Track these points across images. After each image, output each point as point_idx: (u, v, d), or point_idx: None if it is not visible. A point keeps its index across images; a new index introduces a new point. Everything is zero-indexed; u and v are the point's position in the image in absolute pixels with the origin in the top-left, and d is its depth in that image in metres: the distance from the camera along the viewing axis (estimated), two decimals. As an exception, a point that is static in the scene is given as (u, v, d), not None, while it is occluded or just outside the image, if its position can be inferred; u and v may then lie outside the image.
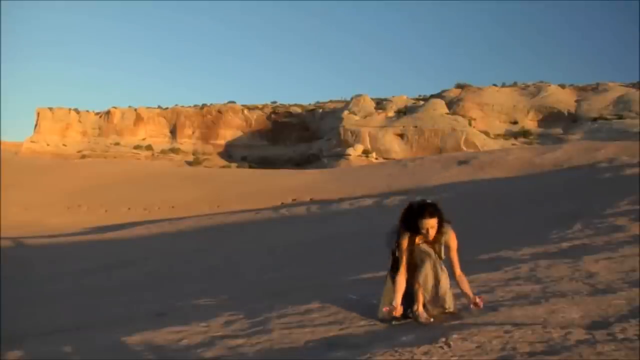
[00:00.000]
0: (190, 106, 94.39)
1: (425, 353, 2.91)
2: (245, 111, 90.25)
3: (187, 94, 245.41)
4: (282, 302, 5.21)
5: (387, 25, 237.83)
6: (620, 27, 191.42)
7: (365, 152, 65.60)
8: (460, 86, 78.27)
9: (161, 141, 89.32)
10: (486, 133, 67.33)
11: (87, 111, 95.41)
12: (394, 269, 3.80)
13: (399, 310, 3.58)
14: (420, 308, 3.69)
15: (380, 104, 76.01)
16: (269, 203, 29.03)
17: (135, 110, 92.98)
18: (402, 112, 71.68)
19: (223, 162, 79.47)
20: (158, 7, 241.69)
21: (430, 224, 3.68)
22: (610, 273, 4.72)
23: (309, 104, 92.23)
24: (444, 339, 3.07)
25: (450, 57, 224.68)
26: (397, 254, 3.77)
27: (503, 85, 78.78)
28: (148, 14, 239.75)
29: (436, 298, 3.73)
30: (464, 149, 60.15)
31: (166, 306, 6.63)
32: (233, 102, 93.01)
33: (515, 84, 78.79)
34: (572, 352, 2.68)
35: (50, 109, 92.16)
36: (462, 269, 3.97)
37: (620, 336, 2.89)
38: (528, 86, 75.85)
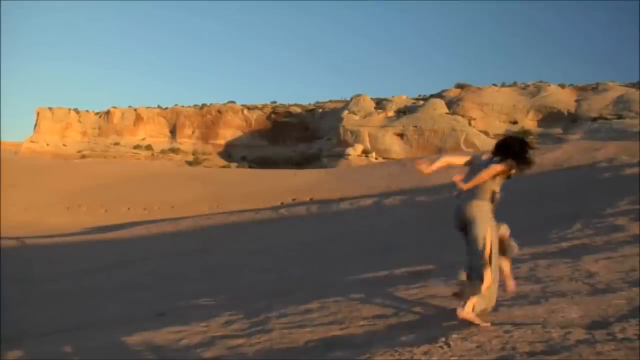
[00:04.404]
0: (190, 106, 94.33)
1: (425, 353, 2.91)
2: (245, 111, 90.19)
3: (187, 94, 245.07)
4: (282, 302, 5.21)
5: (387, 25, 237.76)
6: (620, 27, 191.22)
7: (365, 152, 65.58)
8: (460, 86, 78.22)
9: (161, 141, 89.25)
10: (486, 133, 67.29)
11: (87, 111, 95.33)
12: None
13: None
14: None
15: (380, 103, 75.93)
16: (269, 203, 29.03)
17: (135, 110, 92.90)
18: (402, 112, 71.63)
19: (223, 162, 79.41)
20: (158, 7, 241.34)
21: None
22: (610, 273, 4.72)
23: (309, 104, 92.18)
24: (443, 339, 3.07)
25: (450, 57, 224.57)
26: None
27: (503, 85, 78.71)
28: (148, 14, 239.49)
29: None
30: (464, 148, 60.11)
31: (166, 306, 6.63)
32: (233, 102, 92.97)
33: (515, 84, 78.71)
34: (572, 352, 2.68)
35: (50, 109, 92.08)
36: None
37: (620, 336, 2.89)
38: (528, 86, 75.77)
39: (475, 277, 3.65)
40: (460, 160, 4.15)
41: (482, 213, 3.76)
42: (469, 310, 3.52)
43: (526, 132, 67.53)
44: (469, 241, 3.79)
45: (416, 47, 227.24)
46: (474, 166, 3.96)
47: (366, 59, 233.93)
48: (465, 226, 3.82)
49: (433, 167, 3.96)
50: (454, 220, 3.92)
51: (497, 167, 3.73)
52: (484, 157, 3.97)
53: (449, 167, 4.15)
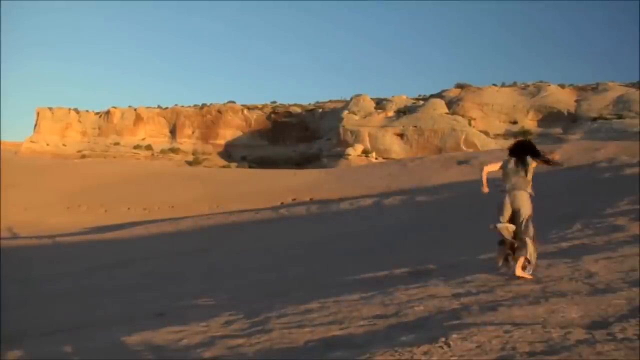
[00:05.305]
0: (190, 106, 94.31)
1: (425, 353, 2.91)
2: (245, 111, 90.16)
3: (187, 93, 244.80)
4: (282, 302, 5.22)
5: (387, 25, 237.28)
6: (620, 27, 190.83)
7: (365, 152, 65.58)
8: (460, 86, 78.22)
9: (161, 141, 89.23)
10: (486, 133, 67.31)
11: (87, 111, 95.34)
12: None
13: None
14: None
15: (380, 104, 75.92)
16: (269, 203, 29.03)
17: (135, 110, 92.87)
18: (402, 112, 71.63)
19: (223, 162, 79.38)
20: (158, 7, 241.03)
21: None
22: (610, 273, 4.72)
23: (309, 104, 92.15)
24: (443, 339, 3.07)
25: (450, 57, 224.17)
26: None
27: (503, 85, 78.71)
28: (148, 14, 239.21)
29: None
30: (464, 148, 60.10)
31: (166, 306, 6.63)
32: (233, 102, 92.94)
33: (515, 84, 78.71)
34: (572, 352, 2.68)
35: (50, 109, 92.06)
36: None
37: (620, 336, 2.89)
38: (528, 86, 75.78)
39: (522, 245, 4.99)
40: (495, 166, 5.43)
41: (528, 201, 5.14)
42: (519, 269, 4.89)
43: (526, 132, 67.56)
44: (521, 220, 5.08)
45: (416, 47, 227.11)
46: (507, 170, 5.23)
47: (366, 59, 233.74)
48: (514, 212, 5.13)
49: (485, 185, 5.25)
50: (504, 209, 5.16)
51: (535, 162, 5.15)
52: (510, 162, 5.27)
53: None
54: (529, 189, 5.17)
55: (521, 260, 4.93)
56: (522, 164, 5.17)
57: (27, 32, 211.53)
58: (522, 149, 5.26)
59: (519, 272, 4.88)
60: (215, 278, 10.19)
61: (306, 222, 19.78)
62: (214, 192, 36.29)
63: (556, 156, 5.27)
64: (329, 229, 16.89)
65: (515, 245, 5.04)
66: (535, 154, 5.17)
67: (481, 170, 5.34)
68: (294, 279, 8.28)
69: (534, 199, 5.23)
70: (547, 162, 5.34)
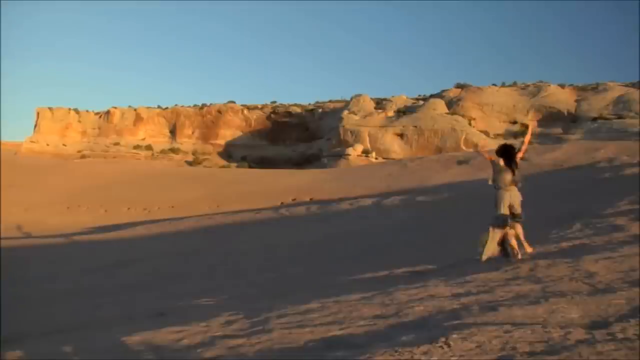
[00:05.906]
0: (190, 106, 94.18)
1: (425, 353, 2.91)
2: (245, 111, 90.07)
3: (187, 93, 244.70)
4: (282, 302, 5.22)
5: (387, 25, 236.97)
6: (620, 27, 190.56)
7: (365, 152, 65.54)
8: (460, 86, 78.12)
9: (161, 141, 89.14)
10: (486, 133, 67.26)
11: (87, 111, 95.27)
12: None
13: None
14: None
15: (380, 103, 75.87)
16: (269, 203, 29.02)
17: (135, 110, 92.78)
18: (402, 112, 71.60)
19: (223, 162, 79.30)
20: (158, 7, 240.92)
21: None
22: (610, 273, 4.72)
23: (309, 104, 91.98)
24: (443, 339, 3.07)
25: (450, 57, 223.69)
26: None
27: (503, 85, 78.61)
28: (148, 14, 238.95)
29: None
30: (464, 148, 60.05)
31: (166, 306, 6.64)
32: (233, 102, 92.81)
33: (515, 84, 78.62)
34: (572, 352, 2.68)
35: (50, 108, 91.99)
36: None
37: (620, 336, 2.89)
38: (528, 86, 75.68)
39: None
40: (489, 155, 6.42)
41: (519, 197, 6.24)
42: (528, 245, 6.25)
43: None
44: (516, 210, 6.15)
45: (416, 47, 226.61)
46: (499, 169, 6.14)
47: (366, 59, 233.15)
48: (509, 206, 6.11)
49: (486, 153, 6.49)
50: (504, 203, 6.08)
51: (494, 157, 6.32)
52: (500, 161, 6.23)
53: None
54: (518, 185, 6.22)
55: (514, 242, 6.10)
56: (510, 164, 6.15)
57: (27, 32, 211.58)
58: (508, 152, 6.28)
59: (516, 244, 6.09)
60: (215, 278, 10.20)
61: (306, 222, 19.78)
62: (214, 192, 36.27)
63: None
64: (329, 229, 16.90)
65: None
66: (514, 157, 6.23)
67: (478, 153, 6.58)
68: (294, 279, 8.29)
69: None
70: (520, 158, 6.33)
